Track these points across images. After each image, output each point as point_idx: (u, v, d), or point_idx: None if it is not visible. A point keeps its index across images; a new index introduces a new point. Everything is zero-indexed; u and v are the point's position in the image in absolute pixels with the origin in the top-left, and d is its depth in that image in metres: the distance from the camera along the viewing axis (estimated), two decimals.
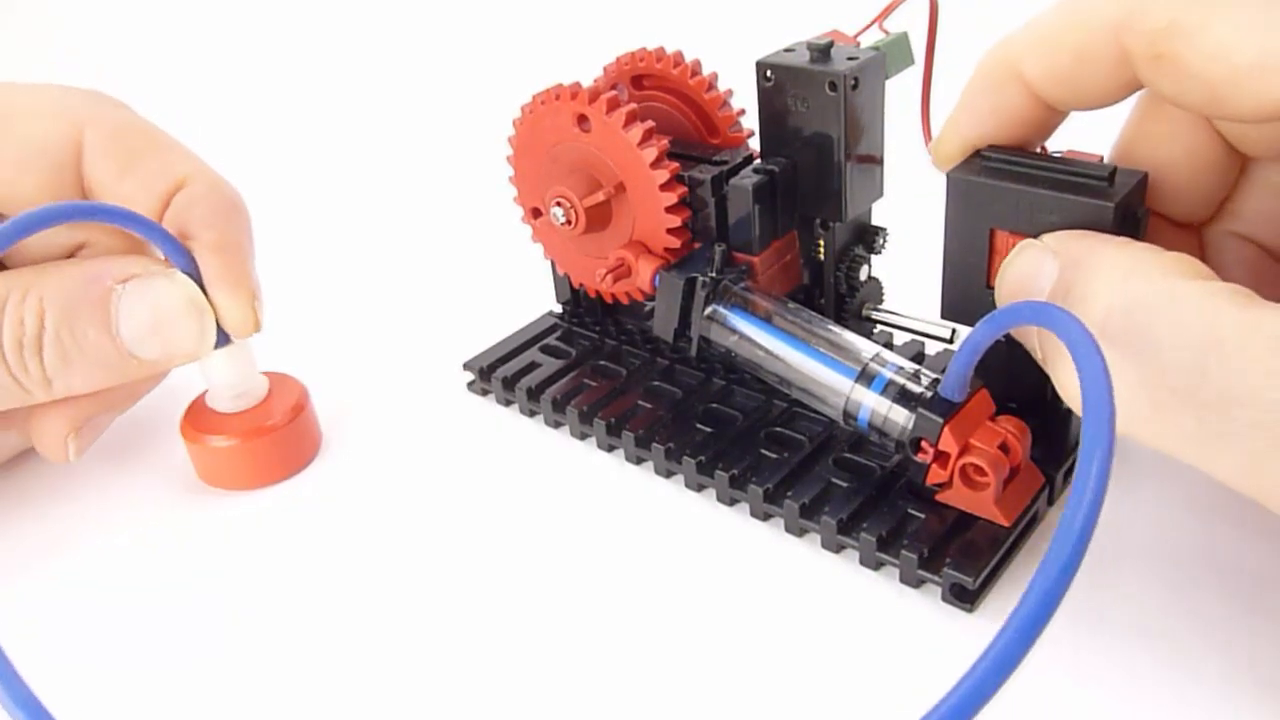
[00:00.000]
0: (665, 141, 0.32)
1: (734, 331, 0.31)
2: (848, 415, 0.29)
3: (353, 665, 0.27)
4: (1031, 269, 0.25)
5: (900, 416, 0.28)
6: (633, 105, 0.32)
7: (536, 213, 0.36)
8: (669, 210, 0.32)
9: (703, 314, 0.32)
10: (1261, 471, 0.20)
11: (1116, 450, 0.31)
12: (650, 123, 0.32)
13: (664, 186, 0.32)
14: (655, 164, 0.31)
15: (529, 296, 0.41)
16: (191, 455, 0.34)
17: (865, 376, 0.29)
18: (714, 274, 0.32)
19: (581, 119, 0.32)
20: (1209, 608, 0.26)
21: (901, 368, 0.29)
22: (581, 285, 0.37)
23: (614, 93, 0.32)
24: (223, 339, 0.32)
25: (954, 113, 0.28)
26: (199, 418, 0.34)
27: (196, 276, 0.31)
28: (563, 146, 0.33)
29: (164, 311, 0.30)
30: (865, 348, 0.30)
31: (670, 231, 0.32)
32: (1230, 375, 0.20)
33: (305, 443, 0.35)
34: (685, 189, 0.32)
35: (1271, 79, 0.21)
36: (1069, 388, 0.24)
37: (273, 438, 0.34)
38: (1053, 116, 0.27)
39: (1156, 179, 0.27)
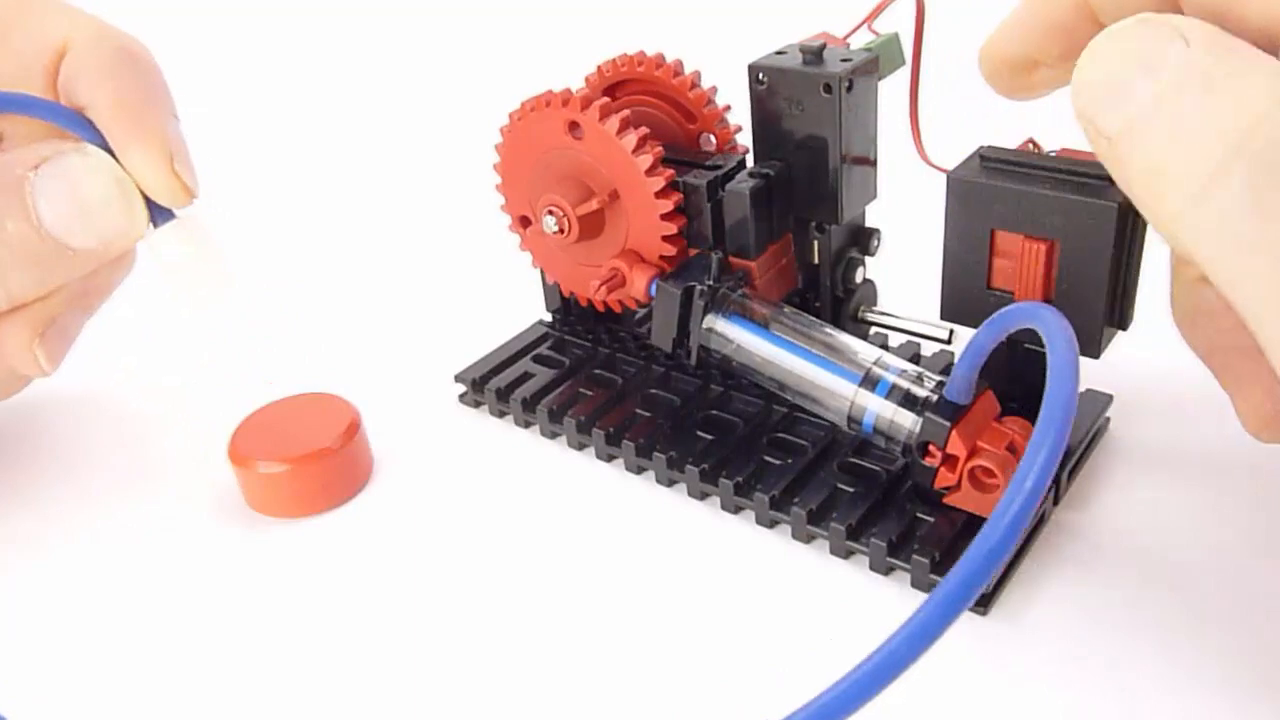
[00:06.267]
0: (660, 148, 0.31)
1: (733, 339, 0.31)
2: (852, 420, 0.29)
3: (351, 672, 0.27)
4: (1147, 49, 0.20)
5: (906, 420, 0.28)
6: (626, 111, 0.31)
7: (525, 221, 0.35)
8: (664, 217, 0.31)
9: (701, 323, 0.31)
10: None
11: (1119, 450, 0.32)
12: (644, 130, 0.31)
13: (659, 194, 0.31)
14: (650, 171, 0.31)
15: (517, 305, 0.41)
16: (240, 480, 0.32)
17: (869, 381, 0.29)
18: (711, 282, 0.31)
19: (573, 125, 0.32)
20: (1209, 607, 0.26)
21: (904, 370, 0.29)
22: (572, 294, 0.36)
23: (606, 99, 0.31)
24: (164, 215, 0.29)
25: (1005, 21, 0.26)
26: (248, 439, 0.31)
27: (107, 146, 0.28)
28: (554, 154, 0.33)
29: (80, 188, 0.27)
30: (866, 351, 0.29)
31: (665, 239, 0.32)
32: None
33: (359, 467, 0.33)
34: (680, 195, 0.32)
35: None
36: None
37: (326, 463, 0.30)
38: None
39: None
